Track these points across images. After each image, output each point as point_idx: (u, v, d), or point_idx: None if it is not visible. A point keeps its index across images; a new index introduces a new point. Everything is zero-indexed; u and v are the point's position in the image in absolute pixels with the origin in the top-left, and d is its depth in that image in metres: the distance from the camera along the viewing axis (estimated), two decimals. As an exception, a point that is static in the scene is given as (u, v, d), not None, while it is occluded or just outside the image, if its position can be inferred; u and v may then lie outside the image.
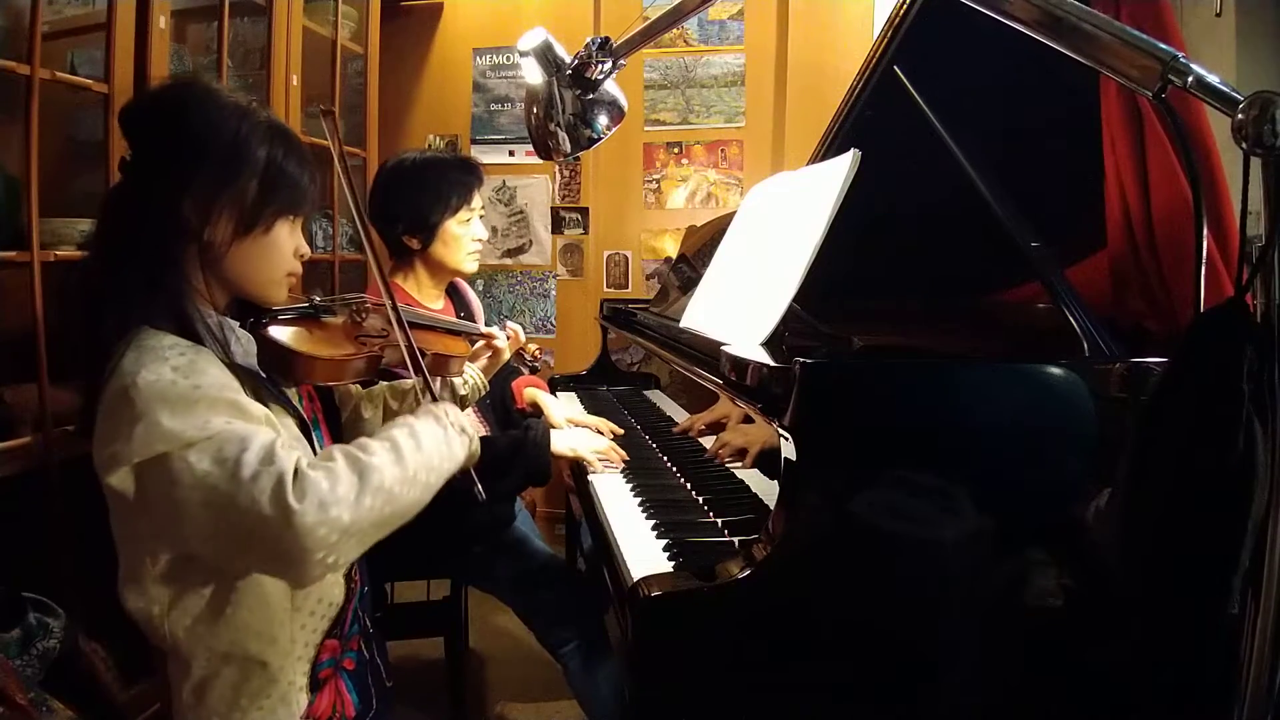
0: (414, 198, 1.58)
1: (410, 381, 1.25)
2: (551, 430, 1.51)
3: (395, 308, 1.01)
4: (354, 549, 0.82)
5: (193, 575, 0.85)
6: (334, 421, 1.15)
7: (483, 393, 1.38)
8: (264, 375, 0.94)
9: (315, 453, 0.96)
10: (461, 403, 1.33)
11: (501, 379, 1.70)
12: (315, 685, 0.94)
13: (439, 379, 1.27)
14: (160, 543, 0.83)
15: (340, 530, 0.77)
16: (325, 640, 0.95)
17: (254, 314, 0.97)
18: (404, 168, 1.61)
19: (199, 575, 0.85)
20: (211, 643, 0.87)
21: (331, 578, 0.95)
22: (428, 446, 0.89)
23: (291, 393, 1.01)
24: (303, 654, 0.92)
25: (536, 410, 1.84)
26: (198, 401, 0.78)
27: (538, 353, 1.61)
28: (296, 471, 0.77)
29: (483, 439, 1.56)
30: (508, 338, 1.44)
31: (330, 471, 0.79)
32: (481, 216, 1.67)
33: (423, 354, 1.15)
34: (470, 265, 1.66)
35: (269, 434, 0.80)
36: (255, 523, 0.75)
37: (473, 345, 1.38)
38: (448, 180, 1.60)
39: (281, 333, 0.96)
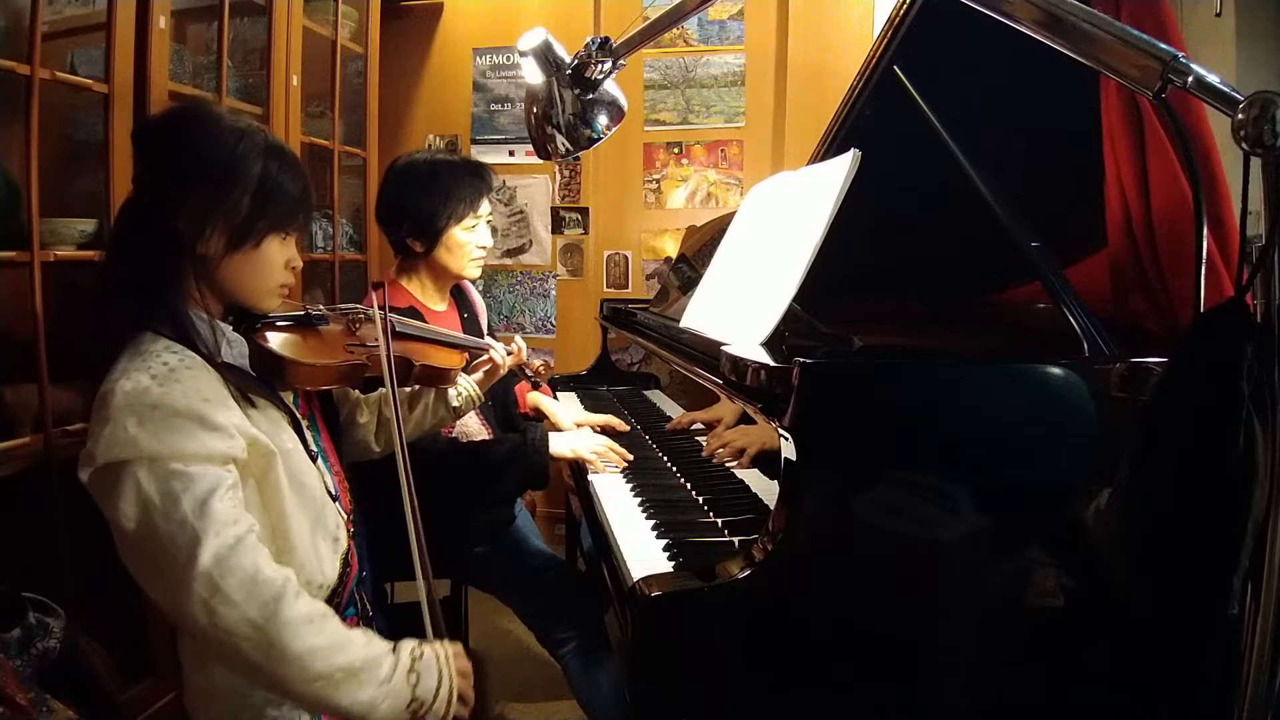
0: (421, 201, 1.55)
1: (410, 389, 1.28)
2: (550, 433, 1.51)
3: (385, 318, 1.04)
4: (220, 653, 0.81)
5: None
6: (332, 420, 1.16)
7: (477, 404, 1.38)
8: (255, 375, 0.97)
9: (307, 448, 0.99)
10: (455, 414, 1.34)
11: (505, 382, 1.69)
12: None
13: (435, 389, 1.29)
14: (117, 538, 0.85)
15: (216, 623, 0.79)
16: None
17: (249, 319, 1.00)
18: (414, 169, 1.58)
19: None
20: None
21: (327, 555, 0.96)
22: (353, 675, 0.84)
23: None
24: None
25: (539, 415, 1.84)
26: (165, 412, 0.81)
27: (541, 369, 1.59)
28: (237, 545, 0.80)
29: (482, 443, 1.58)
30: (510, 353, 1.44)
31: (256, 582, 0.80)
32: (489, 222, 1.63)
33: (412, 365, 1.16)
34: (473, 271, 1.64)
35: (214, 479, 0.82)
36: (164, 561, 0.80)
37: (471, 359, 1.39)
38: (457, 185, 1.55)
39: (270, 338, 0.99)
